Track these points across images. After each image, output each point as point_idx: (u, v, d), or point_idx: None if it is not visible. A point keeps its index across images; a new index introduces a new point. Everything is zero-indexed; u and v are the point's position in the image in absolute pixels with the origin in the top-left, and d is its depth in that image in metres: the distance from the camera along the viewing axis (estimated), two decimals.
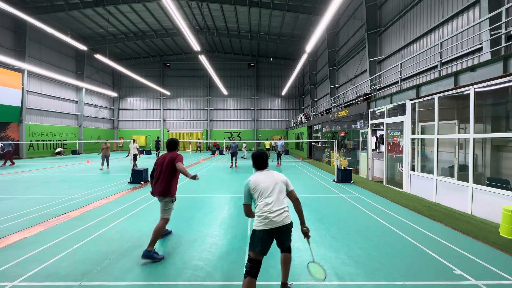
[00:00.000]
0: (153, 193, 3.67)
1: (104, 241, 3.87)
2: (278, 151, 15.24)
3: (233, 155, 13.51)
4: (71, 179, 9.61)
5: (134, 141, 12.11)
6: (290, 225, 2.43)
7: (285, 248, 2.54)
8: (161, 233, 3.51)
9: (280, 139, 15.45)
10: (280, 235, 2.42)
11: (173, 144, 3.72)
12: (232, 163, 13.54)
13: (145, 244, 3.72)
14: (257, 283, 2.36)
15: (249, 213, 2.54)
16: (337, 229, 4.39)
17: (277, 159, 15.17)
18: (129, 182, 8.71)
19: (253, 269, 2.33)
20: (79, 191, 7.43)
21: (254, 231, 2.39)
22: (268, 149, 20.59)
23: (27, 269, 3.04)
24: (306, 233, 2.48)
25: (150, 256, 3.28)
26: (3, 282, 2.77)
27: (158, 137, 25.96)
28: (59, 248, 3.60)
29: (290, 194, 2.55)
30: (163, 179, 3.53)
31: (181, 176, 3.86)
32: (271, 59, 30.12)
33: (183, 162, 3.66)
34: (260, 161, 2.62)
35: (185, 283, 2.78)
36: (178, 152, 3.75)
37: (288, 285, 2.61)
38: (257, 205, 2.45)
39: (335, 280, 2.83)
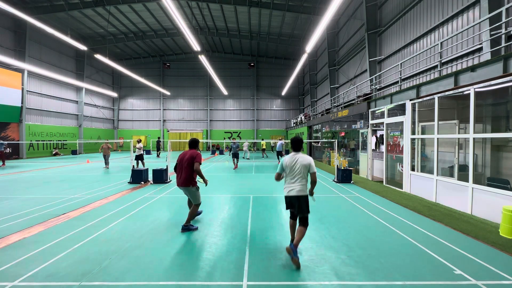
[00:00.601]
0: (177, 185, 4.32)
1: (104, 241, 3.87)
2: (279, 151, 15.02)
3: (235, 155, 13.19)
4: (71, 179, 9.61)
5: (139, 141, 11.82)
6: (301, 198, 3.31)
7: (301, 220, 3.35)
8: (195, 214, 4.39)
9: (280, 139, 15.44)
10: (294, 202, 3.36)
11: (193, 143, 4.41)
12: (234, 164, 13.30)
13: (145, 244, 3.77)
14: (258, 283, 2.76)
15: (278, 177, 3.48)
16: (337, 229, 4.39)
17: (278, 159, 15.08)
18: (129, 182, 8.71)
19: (292, 216, 3.56)
20: (79, 191, 7.43)
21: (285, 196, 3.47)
22: (264, 149, 21.18)
23: (27, 269, 3.04)
24: (311, 194, 3.41)
25: (187, 228, 4.24)
26: (3, 282, 2.77)
27: (158, 138, 25.96)
28: (59, 248, 3.60)
29: (311, 176, 3.34)
30: (184, 172, 4.20)
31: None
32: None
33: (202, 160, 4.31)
34: (295, 145, 3.46)
35: (185, 283, 2.78)
36: (191, 151, 4.31)
37: (297, 253, 3.13)
38: (285, 178, 3.45)
39: (335, 280, 2.83)
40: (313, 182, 3.33)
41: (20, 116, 18.79)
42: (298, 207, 3.31)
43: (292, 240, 3.41)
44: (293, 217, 3.54)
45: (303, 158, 3.33)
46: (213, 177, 10.12)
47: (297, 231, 3.29)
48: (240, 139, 29.74)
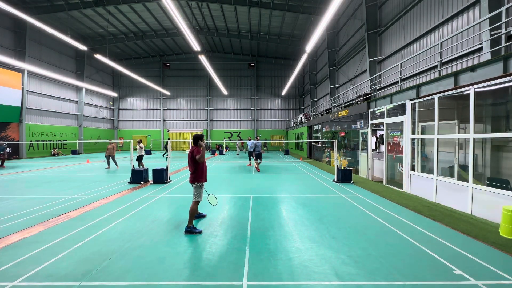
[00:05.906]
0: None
1: (104, 241, 3.87)
2: (251, 151, 12.97)
3: (251, 154, 12.98)
4: (71, 179, 9.60)
5: (140, 141, 11.38)
6: None
7: None
8: (195, 213, 4.33)
9: (249, 139, 13.47)
10: None
11: (193, 140, 4.45)
12: (253, 163, 12.87)
13: (145, 244, 3.77)
14: (258, 283, 2.52)
15: None
16: (337, 229, 4.39)
17: (250, 159, 13.58)
18: (129, 182, 8.71)
19: None
20: (79, 191, 7.43)
21: None
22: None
23: (27, 269, 3.04)
24: None
25: (190, 231, 4.20)
26: (3, 282, 2.77)
27: (169, 138, 25.48)
28: (59, 248, 3.60)
29: None
30: (189, 169, 4.41)
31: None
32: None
33: (199, 150, 4.35)
34: None
35: (184, 283, 2.78)
36: (190, 148, 4.47)
37: None
38: None
39: (335, 280, 2.83)
40: None
41: (20, 116, 18.79)
42: None
43: None
44: None
45: None
46: (214, 177, 10.11)
47: None
48: (240, 139, 29.75)
